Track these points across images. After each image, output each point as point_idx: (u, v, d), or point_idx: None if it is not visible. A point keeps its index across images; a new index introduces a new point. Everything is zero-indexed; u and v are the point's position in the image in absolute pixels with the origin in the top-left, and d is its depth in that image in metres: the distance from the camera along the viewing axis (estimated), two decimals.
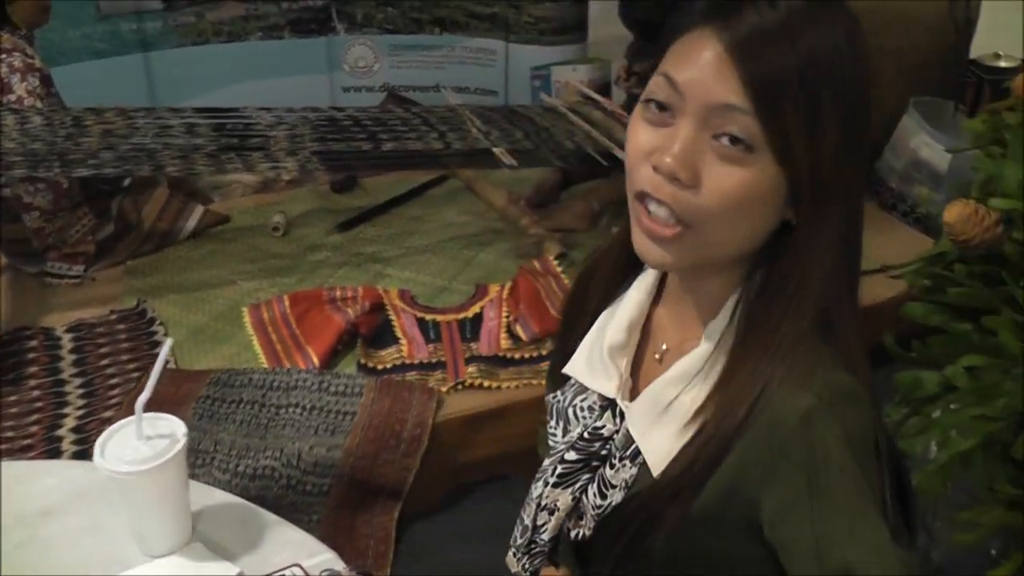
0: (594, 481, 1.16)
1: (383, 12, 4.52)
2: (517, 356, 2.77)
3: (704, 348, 1.08)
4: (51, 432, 2.47)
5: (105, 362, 2.77)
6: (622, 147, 3.19)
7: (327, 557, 1.27)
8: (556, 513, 1.20)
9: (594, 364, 1.19)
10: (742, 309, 1.07)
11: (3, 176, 2.84)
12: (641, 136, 1.02)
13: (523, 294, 2.97)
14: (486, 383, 2.65)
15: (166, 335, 2.88)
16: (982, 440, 1.67)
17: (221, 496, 1.40)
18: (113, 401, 2.58)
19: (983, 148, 2.09)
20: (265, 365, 2.74)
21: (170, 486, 1.23)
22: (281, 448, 2.42)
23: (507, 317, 2.91)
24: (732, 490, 1.02)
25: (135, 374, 2.68)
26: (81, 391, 2.66)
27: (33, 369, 2.72)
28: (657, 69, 1.03)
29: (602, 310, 1.23)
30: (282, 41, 4.48)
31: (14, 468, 1.44)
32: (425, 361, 2.76)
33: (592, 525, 1.17)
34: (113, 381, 2.69)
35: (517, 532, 1.27)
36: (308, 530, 1.35)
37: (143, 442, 1.21)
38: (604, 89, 4.24)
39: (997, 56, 3.83)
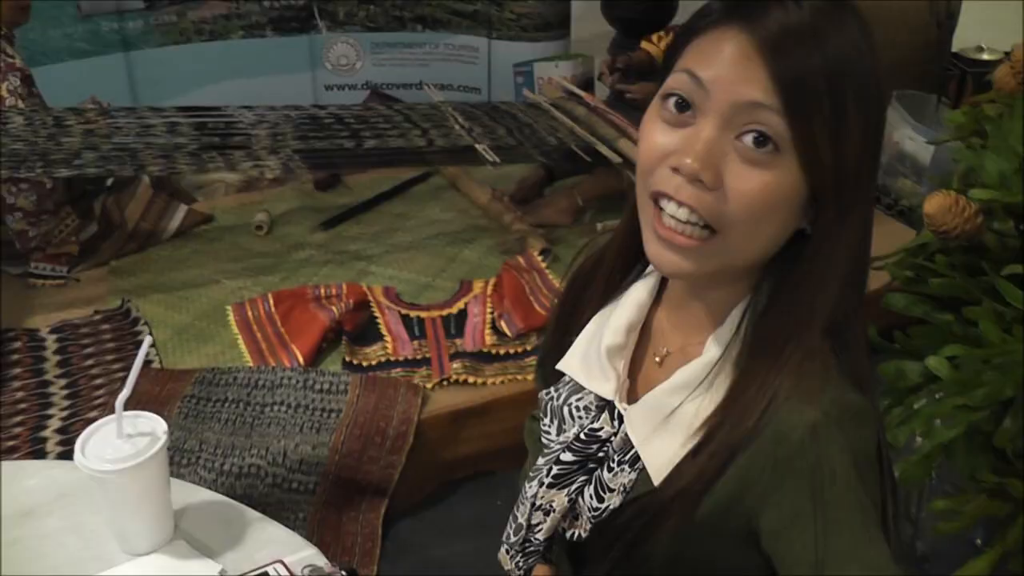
0: (591, 483, 1.14)
1: (365, 10, 4.52)
2: (502, 352, 2.77)
3: (708, 356, 1.06)
4: (36, 433, 2.46)
5: (90, 362, 2.77)
6: (605, 143, 3.21)
7: (309, 553, 1.27)
8: (552, 514, 1.17)
9: (591, 364, 1.16)
10: (749, 319, 1.04)
11: None
12: (658, 136, 0.98)
13: (507, 290, 2.97)
14: (471, 379, 2.65)
15: (151, 335, 2.87)
16: (964, 430, 1.68)
17: (203, 494, 1.39)
18: (98, 401, 2.58)
19: (964, 140, 2.10)
20: (250, 363, 2.74)
21: (151, 484, 1.22)
22: (267, 446, 2.42)
23: (491, 313, 2.92)
24: (733, 499, 1.00)
25: (120, 374, 2.68)
26: (66, 392, 2.65)
27: (17, 371, 2.71)
28: (675, 67, 0.99)
29: (599, 308, 1.21)
30: (264, 40, 4.47)
31: None
32: (410, 358, 2.76)
33: (588, 527, 1.14)
34: (98, 381, 2.69)
35: (510, 530, 1.24)
36: (295, 528, 1.35)
37: (124, 440, 1.20)
38: (587, 85, 4.24)
39: (980, 49, 3.85)
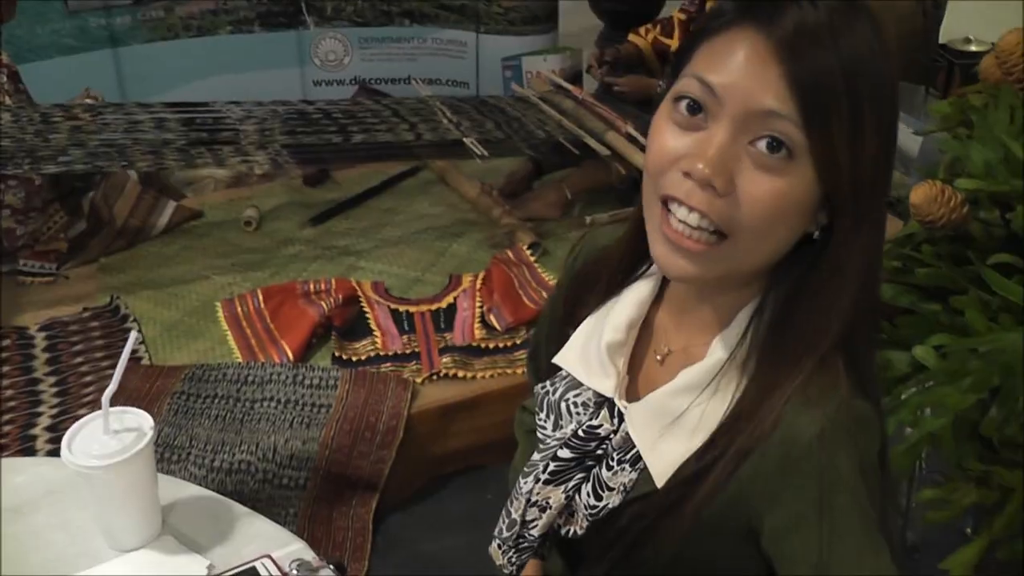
0: (588, 480, 1.13)
1: (353, 5, 4.51)
2: (491, 346, 2.77)
3: (714, 360, 1.05)
4: (25, 431, 2.46)
5: (79, 360, 2.76)
6: (593, 135, 3.21)
7: (297, 547, 1.27)
8: (548, 511, 1.17)
9: (590, 360, 1.15)
10: (756, 323, 1.03)
11: None
12: (669, 139, 0.96)
13: (497, 284, 2.97)
14: (460, 373, 2.66)
15: (140, 332, 2.87)
16: (951, 419, 1.68)
17: (191, 489, 1.39)
18: (87, 399, 2.57)
19: (950, 130, 2.10)
20: (239, 359, 2.74)
21: (138, 480, 1.22)
22: (257, 442, 2.41)
23: (481, 307, 2.92)
24: (736, 500, 1.00)
25: (109, 372, 2.66)
26: (55, 390, 2.65)
27: (6, 369, 2.70)
28: (684, 71, 0.97)
29: (600, 304, 1.18)
30: (252, 35, 4.47)
31: None
32: (399, 352, 2.76)
33: (584, 524, 1.14)
34: (87, 379, 2.68)
35: (503, 525, 1.23)
36: (285, 524, 1.34)
37: (110, 436, 1.20)
38: (575, 78, 4.24)
39: (968, 41, 3.85)
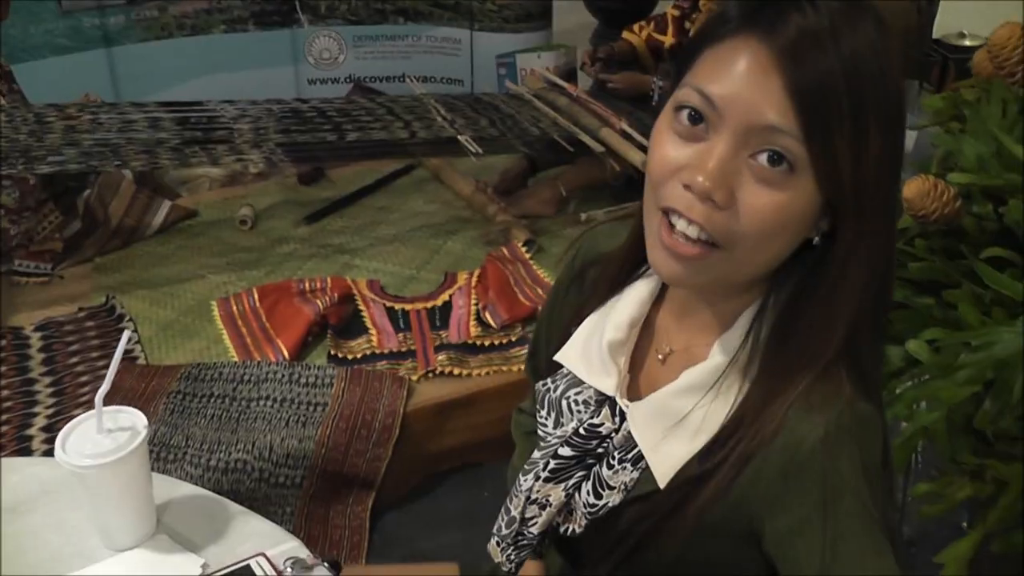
0: (589, 479, 1.13)
1: (347, 3, 4.51)
2: (487, 343, 2.77)
3: (716, 362, 1.04)
4: (21, 432, 2.46)
5: (74, 360, 2.76)
6: (588, 132, 3.21)
7: (292, 545, 1.27)
8: (548, 508, 1.17)
9: (591, 358, 1.15)
10: (757, 327, 1.03)
11: None
12: (669, 150, 0.95)
13: (492, 281, 2.97)
14: (456, 371, 2.66)
15: (136, 331, 2.87)
16: (946, 413, 1.68)
17: (186, 488, 1.39)
18: (83, 399, 2.57)
19: (943, 125, 2.10)
20: (235, 358, 2.74)
21: (132, 479, 1.22)
22: (253, 441, 2.41)
23: (476, 304, 2.92)
24: (739, 502, 1.00)
25: (105, 371, 2.65)
26: (51, 390, 2.64)
27: (2, 369, 2.70)
28: (685, 79, 0.96)
29: (602, 303, 1.18)
30: (246, 34, 4.46)
31: None
32: (395, 350, 2.76)
33: (583, 523, 1.14)
34: (83, 379, 2.68)
35: (502, 522, 1.23)
36: (282, 523, 1.34)
37: (104, 435, 1.20)
38: (569, 75, 4.24)
39: (962, 35, 3.85)
